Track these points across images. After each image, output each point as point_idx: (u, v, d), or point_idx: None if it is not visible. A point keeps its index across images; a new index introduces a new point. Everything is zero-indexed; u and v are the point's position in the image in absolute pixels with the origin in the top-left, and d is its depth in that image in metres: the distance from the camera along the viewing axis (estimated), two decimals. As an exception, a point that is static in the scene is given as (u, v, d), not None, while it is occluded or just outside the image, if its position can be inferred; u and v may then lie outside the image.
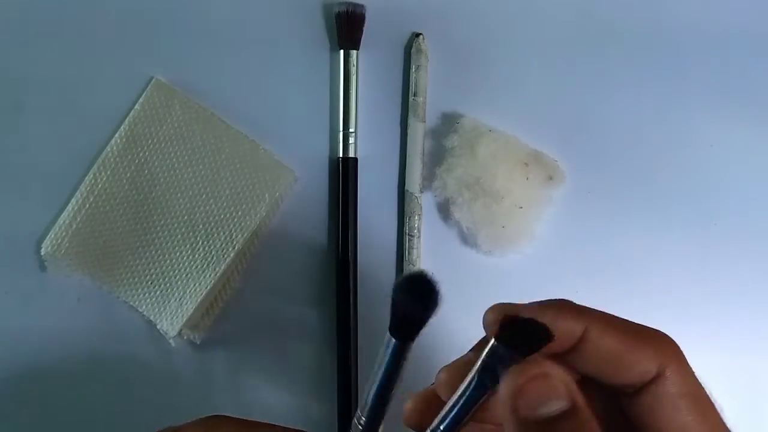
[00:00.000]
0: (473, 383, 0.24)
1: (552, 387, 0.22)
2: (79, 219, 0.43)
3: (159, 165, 0.44)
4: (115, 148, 0.44)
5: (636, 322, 0.27)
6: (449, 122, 0.46)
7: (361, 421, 0.26)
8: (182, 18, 0.45)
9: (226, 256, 0.44)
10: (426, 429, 0.26)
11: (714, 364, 0.46)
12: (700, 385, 0.26)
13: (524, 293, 0.46)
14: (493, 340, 0.24)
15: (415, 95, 0.46)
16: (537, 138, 0.46)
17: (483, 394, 0.24)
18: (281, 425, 0.30)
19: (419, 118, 0.46)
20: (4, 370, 0.44)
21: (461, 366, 0.26)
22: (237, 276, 0.45)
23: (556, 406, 0.22)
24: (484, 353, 0.24)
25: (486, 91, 0.47)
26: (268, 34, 0.46)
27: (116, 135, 0.44)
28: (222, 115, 0.45)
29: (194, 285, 0.44)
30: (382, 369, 0.25)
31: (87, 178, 0.44)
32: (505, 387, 0.23)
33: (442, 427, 0.25)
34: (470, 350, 0.28)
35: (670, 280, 0.47)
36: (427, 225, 0.46)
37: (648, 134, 0.47)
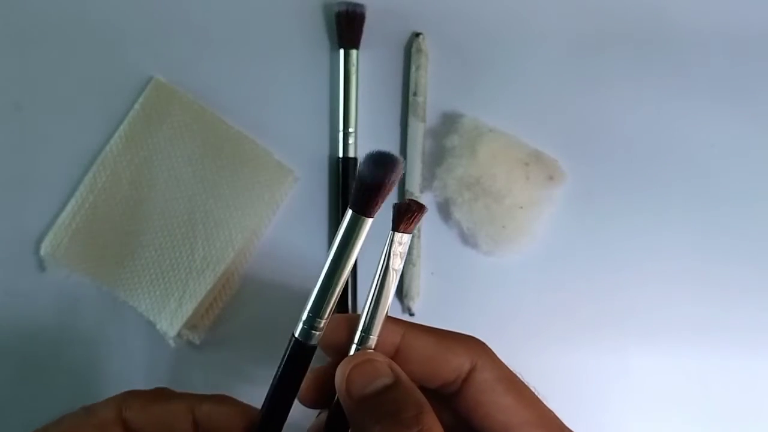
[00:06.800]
0: (383, 270, 0.29)
1: (376, 368, 0.27)
2: (78, 219, 0.43)
3: (159, 165, 0.44)
4: (114, 148, 0.44)
5: (448, 330, 0.30)
6: (449, 122, 0.46)
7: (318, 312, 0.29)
8: (182, 18, 0.45)
9: (225, 256, 0.44)
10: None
11: (714, 363, 0.47)
12: (510, 370, 0.29)
13: (524, 293, 0.47)
14: (390, 232, 0.28)
15: (415, 95, 0.46)
16: (537, 138, 0.46)
17: (387, 277, 0.28)
18: (196, 393, 0.31)
19: (419, 117, 0.46)
20: (3, 370, 0.44)
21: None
22: (237, 276, 0.45)
23: (382, 382, 0.27)
24: (386, 246, 0.28)
25: (486, 91, 0.47)
26: (268, 34, 0.46)
27: (116, 135, 0.44)
28: (222, 115, 0.45)
29: (194, 285, 0.44)
30: (337, 240, 0.28)
31: (87, 178, 0.44)
32: (337, 376, 0.27)
33: (362, 324, 0.28)
34: None
35: (670, 280, 0.47)
36: (427, 225, 0.46)
37: (648, 134, 0.47)
